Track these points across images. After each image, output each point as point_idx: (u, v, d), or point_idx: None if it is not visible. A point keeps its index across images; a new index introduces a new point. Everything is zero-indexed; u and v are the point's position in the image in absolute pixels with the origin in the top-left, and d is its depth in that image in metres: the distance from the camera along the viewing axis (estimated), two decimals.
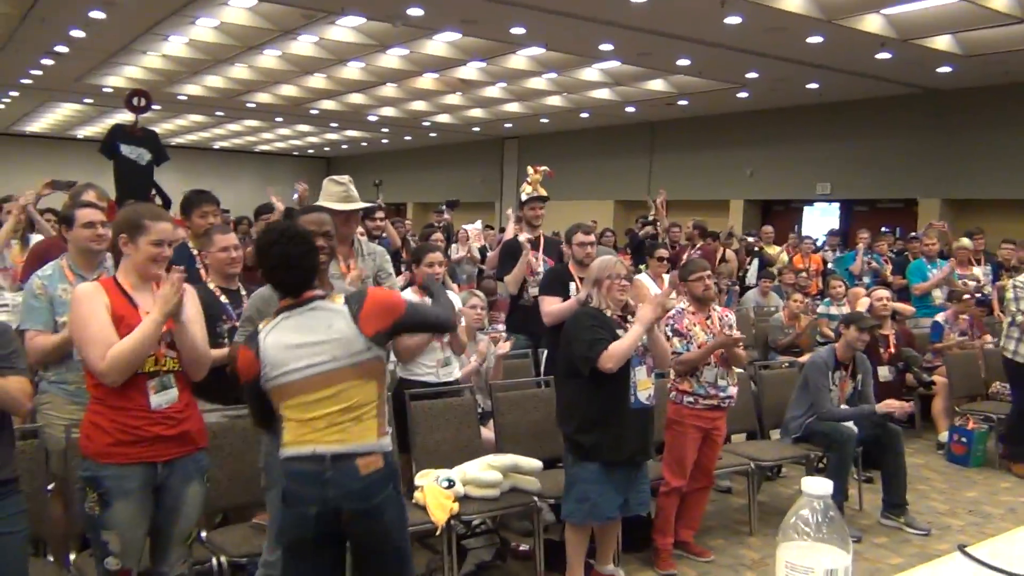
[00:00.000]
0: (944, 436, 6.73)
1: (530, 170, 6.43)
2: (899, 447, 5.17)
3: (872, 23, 10.26)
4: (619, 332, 3.80)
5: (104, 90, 16.62)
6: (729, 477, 5.59)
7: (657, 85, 15.03)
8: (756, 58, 12.20)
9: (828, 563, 1.06)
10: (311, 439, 2.56)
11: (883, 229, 12.40)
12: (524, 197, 6.27)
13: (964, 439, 6.46)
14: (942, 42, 11.00)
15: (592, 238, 5.34)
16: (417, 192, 26.04)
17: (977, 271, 8.27)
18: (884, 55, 11.46)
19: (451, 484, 3.88)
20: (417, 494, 3.86)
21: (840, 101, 14.99)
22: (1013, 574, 1.26)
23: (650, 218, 9.38)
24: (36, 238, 5.57)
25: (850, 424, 5.11)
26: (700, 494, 4.59)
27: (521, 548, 4.47)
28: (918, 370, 6.52)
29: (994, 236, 9.72)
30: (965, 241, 8.44)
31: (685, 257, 8.12)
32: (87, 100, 19.07)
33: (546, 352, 5.48)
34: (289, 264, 2.64)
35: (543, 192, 6.29)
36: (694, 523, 4.62)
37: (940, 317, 7.36)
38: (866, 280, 9.01)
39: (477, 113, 19.01)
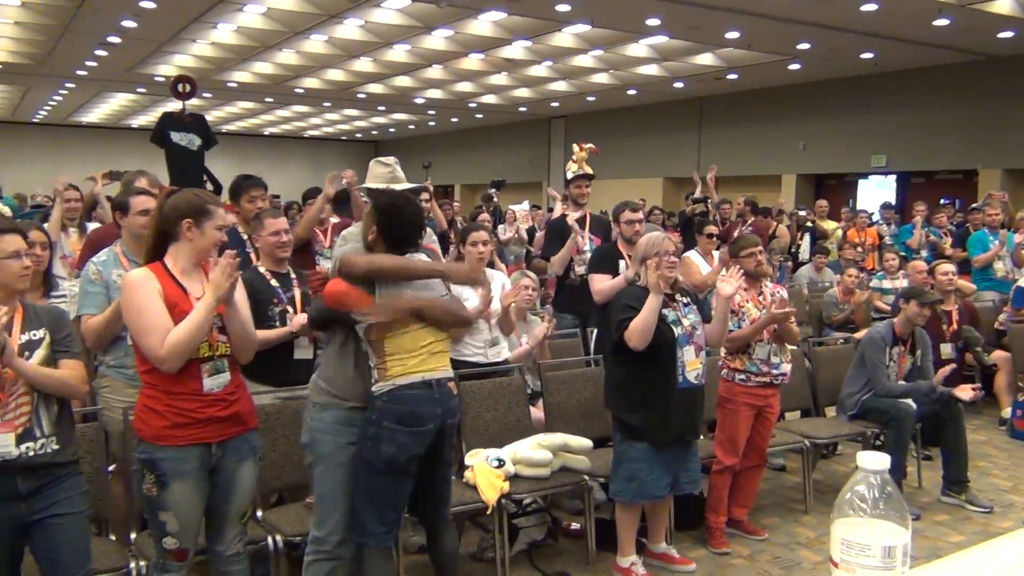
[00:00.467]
0: (1007, 412, 6.54)
1: (576, 148, 6.37)
2: (960, 423, 5.05)
3: None
4: (664, 311, 3.75)
5: (156, 79, 16.91)
6: (783, 455, 5.51)
7: (706, 59, 14.77)
8: (808, 28, 11.91)
9: (886, 540, 1.02)
10: (419, 369, 2.99)
11: (942, 201, 12.06)
12: (570, 175, 6.22)
13: None
14: (1003, 6, 10.59)
15: (640, 216, 5.29)
16: (464, 174, 26.10)
17: None
18: (942, 21, 11.09)
19: (501, 463, 3.89)
20: (467, 473, 3.88)
21: (896, 70, 14.57)
22: None
23: (699, 195, 9.24)
24: (93, 226, 5.70)
25: (908, 400, 5.00)
26: (753, 472, 4.53)
27: (572, 527, 4.47)
28: (979, 351, 6.32)
29: None
30: None
31: (736, 233, 8.00)
32: (140, 89, 19.43)
33: (596, 331, 5.45)
34: (415, 225, 3.15)
35: (589, 170, 6.23)
36: (747, 501, 4.56)
37: (1014, 285, 7.12)
38: (924, 254, 8.78)
39: (523, 93, 18.92)
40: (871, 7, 10.54)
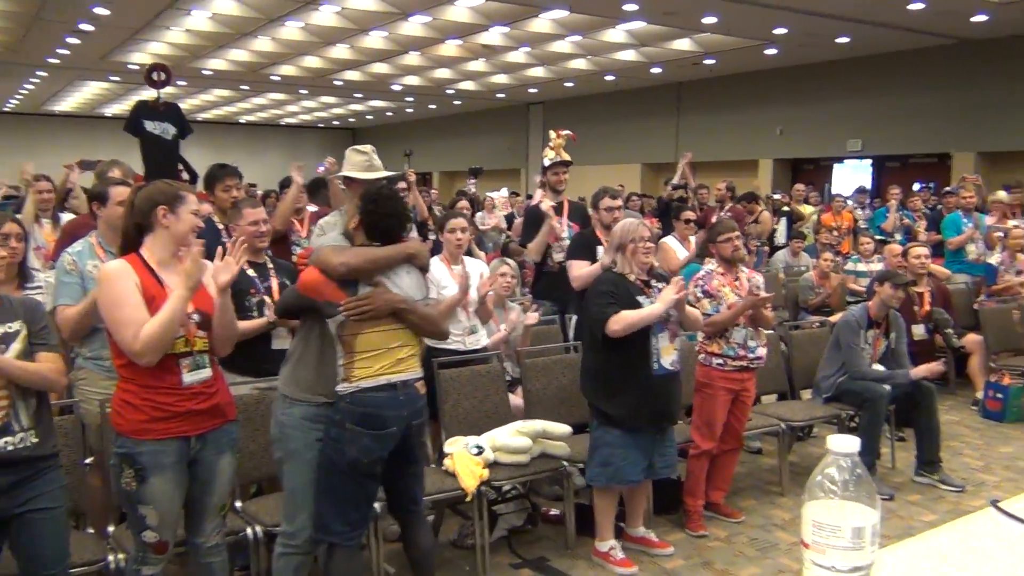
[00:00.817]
0: (981, 394, 6.64)
1: (552, 134, 6.37)
2: (932, 404, 5.12)
3: None
4: (639, 298, 3.79)
5: (130, 67, 16.70)
6: (759, 438, 5.57)
7: (683, 44, 14.78)
8: (784, 13, 11.94)
9: (855, 521, 1.05)
10: (385, 372, 2.97)
11: (917, 185, 12.18)
12: (547, 162, 6.22)
13: (999, 394, 6.38)
14: None
15: (619, 202, 5.31)
16: (443, 161, 26.01)
17: (1013, 223, 8.09)
18: (917, 5, 11.16)
19: (481, 451, 3.91)
20: (447, 461, 3.90)
21: (871, 55, 14.65)
22: None
23: (677, 181, 9.27)
24: (66, 216, 5.65)
25: (884, 383, 5.06)
26: (730, 456, 4.59)
27: (552, 512, 4.51)
28: (949, 332, 6.42)
29: None
30: (1001, 194, 8.28)
31: (714, 219, 8.04)
32: (113, 78, 19.19)
33: (575, 317, 5.47)
34: (399, 218, 3.11)
35: (566, 157, 6.24)
36: (724, 484, 4.62)
37: (994, 259, 7.24)
38: (898, 237, 8.87)
39: (501, 79, 18.87)
40: None
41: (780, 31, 13.24)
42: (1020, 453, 5.68)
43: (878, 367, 5.17)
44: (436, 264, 4.67)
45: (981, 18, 11.83)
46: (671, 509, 4.52)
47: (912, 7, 11.21)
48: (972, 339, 6.81)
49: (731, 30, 13.40)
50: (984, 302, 7.07)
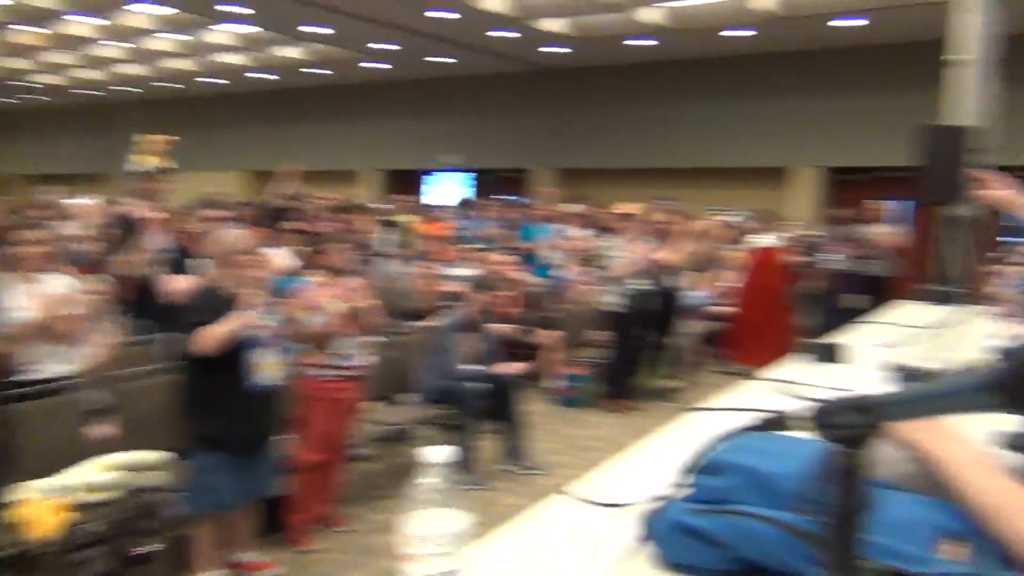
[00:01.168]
0: (556, 383, 7.49)
1: (148, 139, 5.96)
2: (516, 398, 5.70)
3: (495, 3, 10.96)
4: (232, 313, 3.70)
5: None
6: (365, 444, 5.72)
7: (293, 52, 14.71)
8: (387, 29, 12.43)
9: (447, 527, 1.13)
10: None
11: (503, 197, 13.40)
12: (144, 169, 5.82)
13: (572, 384, 7.29)
14: (552, 24, 12.07)
15: (218, 212, 5.15)
16: (27, 163, 22.94)
17: (582, 233, 9.25)
18: (504, 34, 12.28)
19: (61, 493, 3.53)
20: (18, 510, 3.45)
21: (467, 76, 15.90)
22: (599, 503, 1.45)
23: (282, 191, 9.17)
24: None
25: (477, 382, 5.50)
26: (336, 466, 4.66)
27: (144, 551, 4.17)
28: (529, 330, 7.18)
29: (599, 201, 11.00)
30: (572, 207, 9.42)
31: (320, 229, 8.08)
32: None
33: (166, 335, 5.16)
34: None
35: (164, 164, 5.88)
36: (332, 495, 4.67)
37: (563, 268, 8.20)
38: (488, 245, 9.66)
39: (92, 75, 17.20)
40: (443, 15, 11.33)
41: (385, 46, 13.76)
42: (589, 435, 6.54)
43: (472, 367, 5.60)
44: (6, 284, 4.14)
45: (560, 50, 13.40)
46: (280, 527, 4.46)
47: (500, 34, 12.32)
48: (547, 335, 7.67)
49: (338, 42, 13.63)
50: (560, 305, 8.00)
